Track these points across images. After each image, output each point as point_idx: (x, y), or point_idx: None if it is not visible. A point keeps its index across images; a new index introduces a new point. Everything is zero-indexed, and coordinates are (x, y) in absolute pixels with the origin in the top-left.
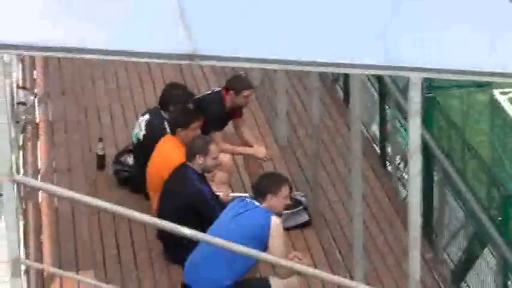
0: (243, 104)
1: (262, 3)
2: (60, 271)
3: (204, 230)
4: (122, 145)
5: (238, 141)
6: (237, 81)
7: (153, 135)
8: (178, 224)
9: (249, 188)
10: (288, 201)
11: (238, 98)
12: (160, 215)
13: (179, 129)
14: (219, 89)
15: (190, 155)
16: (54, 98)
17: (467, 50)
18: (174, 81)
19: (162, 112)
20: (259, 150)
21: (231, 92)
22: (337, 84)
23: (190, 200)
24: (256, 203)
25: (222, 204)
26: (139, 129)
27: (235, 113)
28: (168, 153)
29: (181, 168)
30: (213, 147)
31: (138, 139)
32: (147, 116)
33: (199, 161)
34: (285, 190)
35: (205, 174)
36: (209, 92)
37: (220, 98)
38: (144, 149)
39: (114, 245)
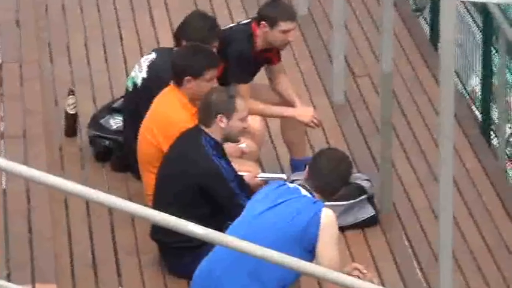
0: (280, 43)
1: None
2: (8, 284)
3: (220, 227)
4: (102, 101)
5: (273, 97)
6: (273, 9)
7: (158, 80)
8: (182, 216)
9: (286, 167)
10: None
11: (273, 34)
12: (156, 204)
13: (188, 77)
14: (247, 20)
15: (208, 115)
16: (5, 30)
17: None
18: (182, 11)
19: (175, 51)
20: (304, 111)
21: (264, 23)
22: (421, 16)
23: (203, 182)
24: (303, 192)
25: (248, 190)
26: (139, 71)
27: (269, 56)
28: (170, 114)
29: (191, 134)
30: (241, 104)
31: (135, 84)
32: (152, 55)
33: (221, 124)
34: None
35: (225, 146)
36: (232, 25)
37: (247, 34)
38: (140, 101)
39: (87, 245)
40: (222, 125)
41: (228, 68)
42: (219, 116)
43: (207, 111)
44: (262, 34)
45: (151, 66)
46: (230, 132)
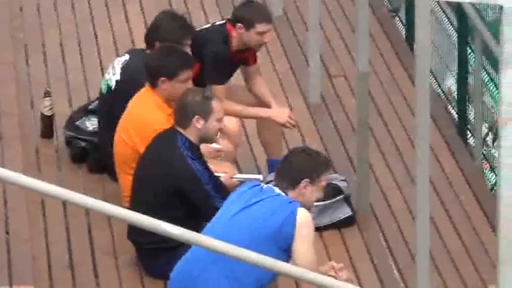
0: (256, 44)
1: None
2: None
3: (197, 228)
4: (77, 100)
5: (249, 98)
6: (249, 10)
7: (132, 83)
8: (159, 217)
9: (263, 167)
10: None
11: (249, 35)
12: (133, 205)
13: (162, 78)
14: (222, 22)
15: (184, 117)
16: None
17: None
18: (157, 9)
19: (149, 53)
20: (280, 112)
21: (240, 25)
22: (396, 16)
23: (178, 183)
24: (277, 190)
25: (223, 191)
26: (113, 73)
27: (245, 57)
28: (146, 115)
29: (167, 135)
30: (217, 105)
31: (109, 87)
32: (126, 57)
33: (197, 125)
34: (325, 177)
35: (202, 146)
36: (207, 26)
37: (223, 35)
38: (115, 103)
39: (64, 247)
40: (199, 126)
41: (203, 69)
42: (195, 117)
43: (183, 113)
44: (238, 35)
45: (125, 68)
46: (206, 133)
